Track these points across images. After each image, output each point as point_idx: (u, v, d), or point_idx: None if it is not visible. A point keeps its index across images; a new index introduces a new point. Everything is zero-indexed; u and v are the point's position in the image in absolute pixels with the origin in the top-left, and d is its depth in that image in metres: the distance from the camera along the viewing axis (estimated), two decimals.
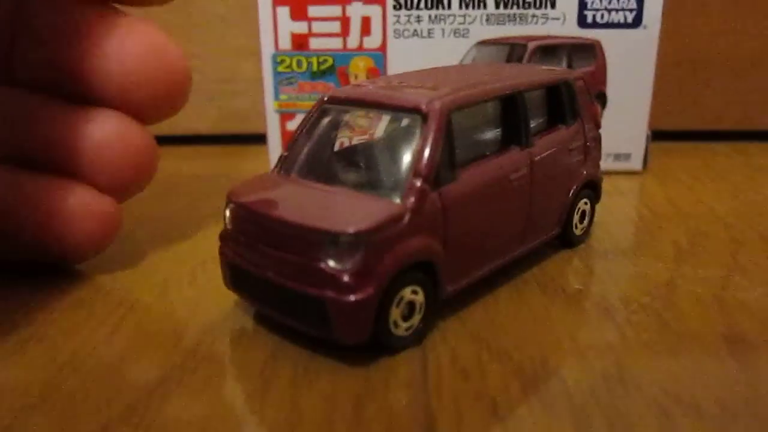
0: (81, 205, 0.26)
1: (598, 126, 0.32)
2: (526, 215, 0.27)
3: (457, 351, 0.22)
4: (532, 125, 0.28)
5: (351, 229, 0.20)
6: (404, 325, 0.22)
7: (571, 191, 0.30)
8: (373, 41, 0.41)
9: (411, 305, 0.22)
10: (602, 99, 0.42)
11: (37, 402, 0.20)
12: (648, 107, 0.42)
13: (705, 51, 0.52)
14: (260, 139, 0.45)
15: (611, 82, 0.42)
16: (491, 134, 0.27)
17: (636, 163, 0.43)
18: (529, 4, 0.40)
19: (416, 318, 0.22)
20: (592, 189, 0.32)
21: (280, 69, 0.42)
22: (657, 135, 0.45)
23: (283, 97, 0.42)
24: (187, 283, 0.28)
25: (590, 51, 0.41)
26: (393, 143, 0.24)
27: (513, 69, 0.31)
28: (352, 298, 0.20)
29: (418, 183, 0.22)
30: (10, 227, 0.26)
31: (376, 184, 0.23)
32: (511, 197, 0.26)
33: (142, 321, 0.25)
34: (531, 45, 0.41)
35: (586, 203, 0.31)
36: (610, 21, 0.40)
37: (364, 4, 0.40)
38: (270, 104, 0.42)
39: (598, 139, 0.32)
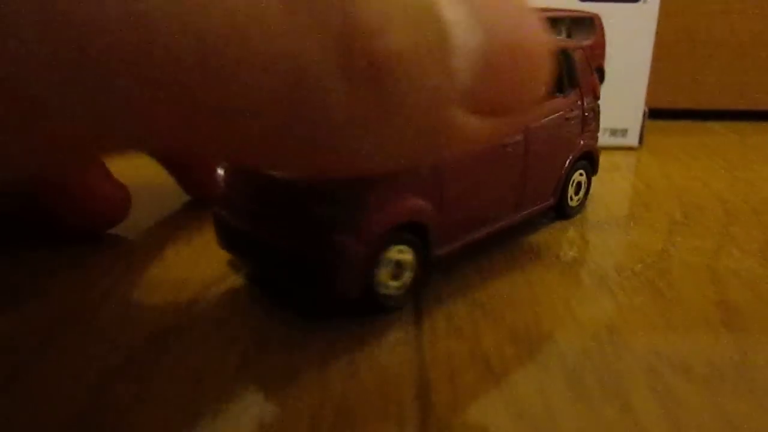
0: (98, 186, 0.28)
1: (596, 98, 0.32)
2: (520, 183, 0.27)
3: (452, 312, 0.22)
4: None
5: (343, 187, 0.20)
6: (394, 284, 0.22)
7: (567, 162, 0.30)
8: None
9: (399, 265, 0.22)
10: (600, 74, 0.42)
11: (36, 355, 0.20)
12: (645, 83, 0.42)
13: (703, 31, 0.52)
14: None
15: (610, 57, 0.42)
16: None
17: (632, 139, 0.44)
18: None
19: (407, 276, 0.22)
20: (589, 161, 0.32)
21: None
22: (654, 113, 0.45)
23: None
24: (184, 244, 0.28)
25: (590, 24, 0.41)
26: None
27: None
28: (343, 254, 0.20)
29: None
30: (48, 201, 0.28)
31: None
32: (505, 164, 0.26)
33: (139, 278, 0.25)
34: None
35: (581, 175, 0.31)
36: None
37: None
38: None
39: (596, 111, 0.32)
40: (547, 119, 0.28)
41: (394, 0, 0.13)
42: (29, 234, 0.29)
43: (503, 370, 0.19)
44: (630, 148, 0.44)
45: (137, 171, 0.32)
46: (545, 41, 0.16)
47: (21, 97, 0.10)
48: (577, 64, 0.30)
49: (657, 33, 0.41)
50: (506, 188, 0.27)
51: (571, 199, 0.31)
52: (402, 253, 0.22)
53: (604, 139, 0.43)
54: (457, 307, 0.23)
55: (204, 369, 0.19)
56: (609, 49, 0.41)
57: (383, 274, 0.21)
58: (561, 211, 0.31)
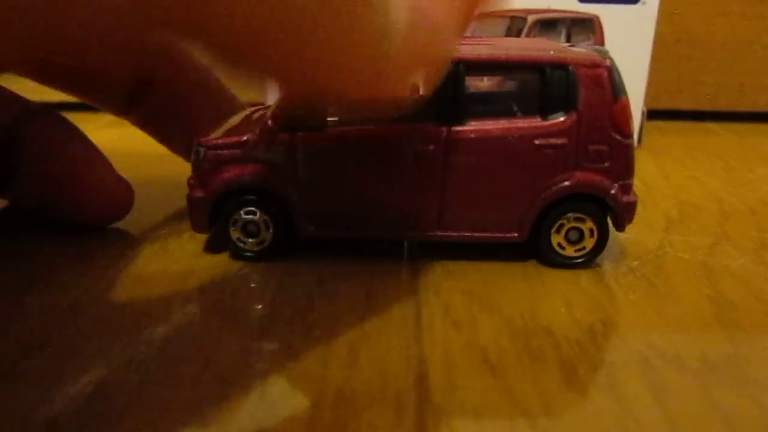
0: (102, 181, 0.29)
1: (620, 131, 0.25)
2: (436, 195, 0.25)
3: (450, 305, 0.23)
4: (479, 105, 0.26)
5: (200, 140, 0.26)
6: (250, 240, 0.26)
7: (540, 196, 0.25)
8: None
9: (255, 225, 0.26)
10: None
11: (39, 345, 0.20)
12: (644, 84, 0.43)
13: (702, 32, 0.52)
14: None
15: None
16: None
17: None
18: None
19: (264, 236, 0.26)
20: (597, 205, 0.26)
21: None
22: (653, 114, 0.46)
23: None
24: (187, 238, 0.28)
25: (589, 26, 0.41)
26: None
27: (502, 42, 0.28)
28: (189, 195, 0.26)
29: (269, 122, 0.25)
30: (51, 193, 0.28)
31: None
32: (404, 168, 0.25)
33: (142, 272, 0.25)
34: (530, 18, 0.41)
35: (581, 220, 0.26)
36: None
37: None
38: None
39: (614, 147, 0.25)
40: (495, 138, 0.25)
41: None
42: (34, 227, 0.29)
43: (499, 361, 0.20)
44: None
45: (140, 166, 0.32)
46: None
47: None
48: (581, 86, 0.25)
49: (656, 34, 0.42)
50: (410, 194, 0.25)
51: (562, 247, 0.26)
52: (250, 215, 0.26)
53: None
54: (455, 301, 0.23)
55: (207, 357, 0.20)
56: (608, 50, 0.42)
57: (235, 231, 0.26)
58: (541, 256, 0.26)
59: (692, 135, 0.49)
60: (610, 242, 0.28)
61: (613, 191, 0.26)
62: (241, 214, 0.26)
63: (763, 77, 0.53)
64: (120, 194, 0.29)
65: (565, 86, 0.25)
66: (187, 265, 0.26)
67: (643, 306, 0.23)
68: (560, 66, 0.25)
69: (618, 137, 0.25)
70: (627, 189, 0.26)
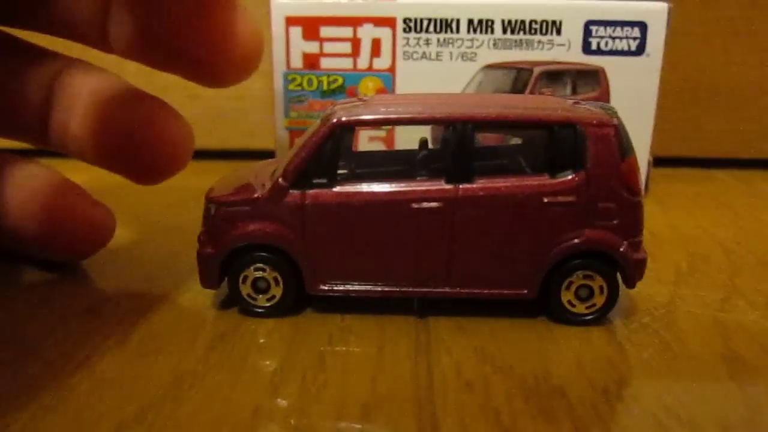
0: (78, 209, 0.29)
1: (628, 189, 0.26)
2: (445, 252, 0.26)
3: (462, 364, 0.23)
4: (488, 162, 0.27)
5: (210, 196, 0.27)
6: (261, 297, 0.26)
7: (549, 253, 0.26)
8: (382, 62, 0.42)
9: (265, 282, 0.26)
10: None
11: (52, 404, 0.20)
12: (650, 133, 0.43)
13: (707, 80, 0.53)
14: (269, 155, 0.45)
15: (615, 107, 0.42)
16: (416, 159, 0.28)
17: None
18: (536, 30, 0.41)
19: (274, 292, 0.26)
20: (607, 262, 0.26)
21: (291, 87, 0.43)
22: (659, 161, 0.46)
23: (293, 114, 0.43)
24: (196, 292, 0.28)
25: (594, 77, 0.42)
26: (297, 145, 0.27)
27: (510, 100, 0.28)
28: (199, 252, 0.26)
29: (280, 180, 0.26)
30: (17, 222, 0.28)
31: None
32: (414, 225, 0.25)
33: (153, 327, 0.25)
34: (536, 70, 0.42)
35: (591, 278, 0.26)
36: (614, 48, 0.41)
37: (374, 26, 0.41)
38: (280, 121, 0.43)
39: (623, 205, 0.25)
40: (503, 196, 0.25)
41: None
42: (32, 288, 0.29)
43: (513, 424, 0.19)
44: None
45: (146, 216, 0.33)
46: None
47: None
48: (589, 144, 0.25)
49: (661, 83, 0.42)
50: (417, 251, 0.26)
51: (572, 304, 0.26)
52: (259, 272, 0.26)
53: None
54: (467, 359, 0.23)
55: (219, 416, 0.19)
56: (614, 101, 0.42)
57: (245, 288, 0.26)
58: (551, 312, 0.26)
59: (698, 182, 0.50)
60: (620, 296, 0.28)
61: (622, 249, 0.26)
62: (251, 270, 0.26)
63: (767, 124, 0.53)
64: (97, 219, 0.29)
65: (573, 145, 0.25)
66: (197, 320, 0.26)
67: (656, 365, 0.23)
68: (568, 125, 0.25)
69: (627, 195, 0.26)
70: (637, 246, 0.26)
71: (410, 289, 0.26)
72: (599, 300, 0.26)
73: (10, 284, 0.29)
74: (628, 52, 0.41)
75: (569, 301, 0.26)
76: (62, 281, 0.29)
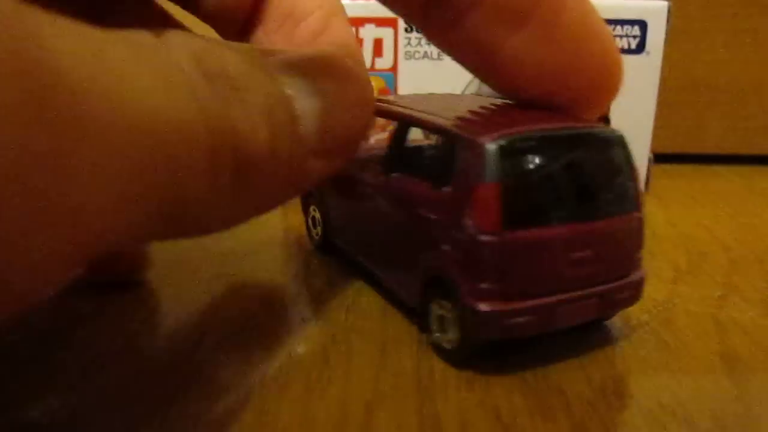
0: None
1: (476, 223, 0.21)
2: (382, 237, 0.27)
3: (463, 362, 0.23)
4: (414, 161, 0.27)
5: None
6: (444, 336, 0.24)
7: (419, 269, 0.24)
8: (384, 62, 0.42)
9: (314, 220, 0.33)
10: (606, 122, 0.43)
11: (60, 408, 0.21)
12: (650, 131, 0.43)
13: (707, 77, 0.53)
14: None
15: (615, 106, 0.43)
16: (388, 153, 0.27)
17: None
18: None
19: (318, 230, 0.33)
20: (445, 290, 0.23)
21: None
22: (659, 157, 0.46)
23: None
24: (205, 287, 0.29)
25: None
26: None
27: (473, 102, 0.27)
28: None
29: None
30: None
31: None
32: (368, 206, 0.28)
33: (161, 328, 0.26)
34: None
35: (442, 308, 0.23)
36: None
37: (376, 26, 0.42)
38: None
39: (465, 240, 0.21)
40: (403, 197, 0.25)
41: (253, 100, 0.15)
42: None
43: (512, 421, 0.20)
44: None
45: None
46: (369, 88, 0.20)
47: None
48: (459, 160, 0.22)
49: (661, 80, 0.42)
50: (375, 231, 0.28)
51: (430, 331, 0.24)
52: (314, 212, 0.32)
53: None
54: (468, 358, 0.23)
55: (223, 415, 0.20)
56: (614, 100, 0.43)
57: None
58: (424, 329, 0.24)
59: (699, 179, 0.50)
60: None
61: (462, 289, 0.22)
62: (314, 208, 0.33)
63: (767, 121, 0.54)
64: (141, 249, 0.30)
65: (451, 157, 0.23)
66: (204, 316, 0.27)
67: (653, 362, 0.23)
68: (447, 134, 0.24)
69: (470, 228, 0.21)
70: (481, 294, 0.21)
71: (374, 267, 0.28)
72: (454, 334, 0.23)
73: None
74: (628, 51, 0.42)
75: (430, 325, 0.24)
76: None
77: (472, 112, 0.25)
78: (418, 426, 0.20)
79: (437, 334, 0.23)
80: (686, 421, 0.20)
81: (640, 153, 0.44)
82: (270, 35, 0.25)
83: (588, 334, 0.25)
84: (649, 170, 0.45)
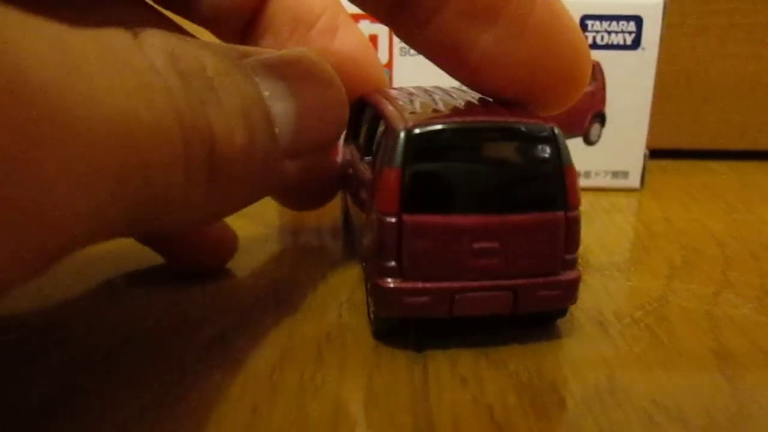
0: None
1: (380, 203, 0.23)
2: (355, 223, 0.30)
3: (457, 359, 0.23)
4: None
5: None
6: None
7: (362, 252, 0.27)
8: (380, 58, 0.42)
9: None
10: (601, 118, 0.43)
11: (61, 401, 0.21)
12: (646, 126, 0.43)
13: (703, 72, 0.53)
14: None
15: (610, 101, 0.43)
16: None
17: (634, 181, 0.45)
18: None
19: None
20: None
21: None
22: (655, 153, 0.46)
23: None
24: (194, 288, 0.29)
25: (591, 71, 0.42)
26: None
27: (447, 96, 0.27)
28: None
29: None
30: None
31: None
32: (353, 191, 0.29)
33: (152, 326, 0.26)
34: None
35: None
36: (610, 43, 0.42)
37: (371, 22, 0.41)
38: None
39: (372, 221, 0.23)
40: (354, 173, 0.30)
41: (229, 101, 0.15)
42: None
43: (506, 420, 0.20)
44: (632, 190, 0.45)
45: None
46: (343, 91, 0.21)
47: None
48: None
49: (657, 75, 0.42)
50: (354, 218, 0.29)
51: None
52: None
53: (606, 180, 0.44)
54: (461, 355, 0.23)
55: (219, 417, 0.20)
56: (609, 94, 0.43)
57: None
58: None
59: (694, 174, 0.50)
60: (615, 291, 0.29)
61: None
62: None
63: (763, 116, 0.54)
64: (227, 240, 0.30)
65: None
66: (195, 313, 0.26)
67: (647, 360, 0.24)
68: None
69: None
70: None
71: None
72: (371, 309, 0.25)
73: None
74: (623, 47, 0.42)
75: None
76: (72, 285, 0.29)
77: (428, 104, 0.25)
78: (412, 425, 0.20)
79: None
80: (680, 419, 0.20)
81: (636, 149, 0.44)
82: (284, 42, 0.25)
83: (582, 332, 0.26)
84: (644, 166, 0.45)
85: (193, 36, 0.22)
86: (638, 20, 0.41)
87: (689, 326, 0.26)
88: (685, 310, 0.27)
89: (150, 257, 0.30)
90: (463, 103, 0.26)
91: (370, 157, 0.26)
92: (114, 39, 0.13)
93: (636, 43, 0.41)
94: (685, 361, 0.24)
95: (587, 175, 0.44)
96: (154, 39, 0.14)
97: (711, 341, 0.25)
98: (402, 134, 0.22)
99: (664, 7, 0.41)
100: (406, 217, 0.22)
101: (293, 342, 0.24)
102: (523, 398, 0.21)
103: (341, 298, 0.28)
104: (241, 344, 0.24)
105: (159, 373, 0.22)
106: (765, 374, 0.23)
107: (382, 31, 0.42)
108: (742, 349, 0.24)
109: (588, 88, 0.42)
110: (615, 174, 0.44)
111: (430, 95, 0.27)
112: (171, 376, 0.22)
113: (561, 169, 0.23)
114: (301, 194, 0.32)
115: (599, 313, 0.27)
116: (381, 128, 0.26)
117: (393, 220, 0.22)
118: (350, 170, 0.30)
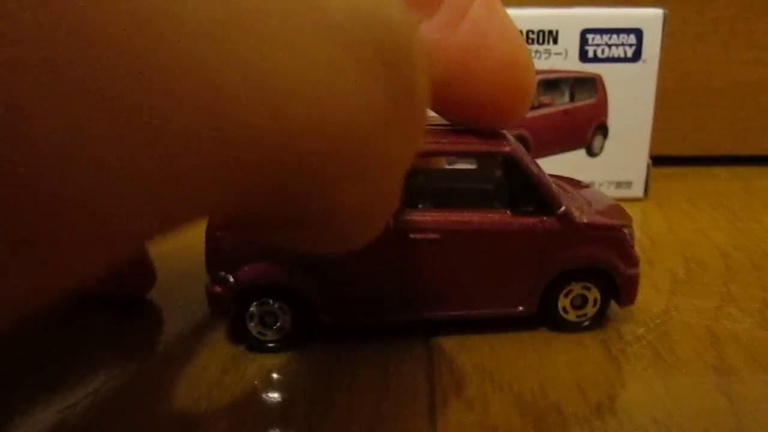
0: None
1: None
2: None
3: (462, 382, 0.24)
4: None
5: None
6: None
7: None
8: None
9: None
10: (604, 130, 0.44)
11: None
12: (648, 137, 0.44)
13: (705, 79, 0.53)
14: None
15: (612, 113, 0.43)
16: None
17: (637, 191, 0.45)
18: (533, 39, 0.42)
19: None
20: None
21: None
22: (658, 160, 0.47)
23: None
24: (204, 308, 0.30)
25: (591, 84, 0.43)
26: None
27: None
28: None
29: None
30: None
31: None
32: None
33: (162, 342, 0.27)
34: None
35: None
36: (611, 56, 0.42)
37: None
38: None
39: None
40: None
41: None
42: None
43: None
44: (635, 199, 0.45)
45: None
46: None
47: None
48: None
49: (659, 83, 0.43)
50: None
51: (566, 311, 0.28)
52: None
53: (609, 190, 0.44)
54: (467, 377, 0.24)
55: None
56: (612, 106, 0.43)
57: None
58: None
59: (698, 181, 0.50)
60: (617, 308, 0.29)
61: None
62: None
63: (765, 121, 0.54)
64: (148, 265, 0.30)
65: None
66: (203, 335, 0.27)
67: (649, 378, 0.24)
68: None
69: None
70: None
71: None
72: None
73: None
74: (624, 59, 0.42)
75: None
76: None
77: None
78: None
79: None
80: None
81: (639, 159, 0.44)
82: (442, 29, 0.22)
83: (585, 348, 0.26)
84: (648, 176, 0.45)
85: None
86: (638, 33, 0.42)
87: (691, 342, 0.27)
88: (687, 326, 0.28)
89: None
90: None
91: None
92: None
93: (637, 56, 0.42)
94: (687, 379, 0.24)
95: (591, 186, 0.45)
96: None
97: (713, 357, 0.25)
98: None
99: (664, 19, 0.42)
100: None
101: (302, 366, 0.25)
102: (527, 420, 0.22)
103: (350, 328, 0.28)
104: (249, 368, 0.25)
105: (169, 396, 0.23)
106: (763, 391, 0.23)
107: None
108: (744, 365, 0.25)
109: (590, 101, 0.43)
110: (618, 184, 0.45)
111: None
112: (180, 401, 0.23)
113: None
114: None
115: (602, 330, 0.27)
116: None
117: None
118: None
